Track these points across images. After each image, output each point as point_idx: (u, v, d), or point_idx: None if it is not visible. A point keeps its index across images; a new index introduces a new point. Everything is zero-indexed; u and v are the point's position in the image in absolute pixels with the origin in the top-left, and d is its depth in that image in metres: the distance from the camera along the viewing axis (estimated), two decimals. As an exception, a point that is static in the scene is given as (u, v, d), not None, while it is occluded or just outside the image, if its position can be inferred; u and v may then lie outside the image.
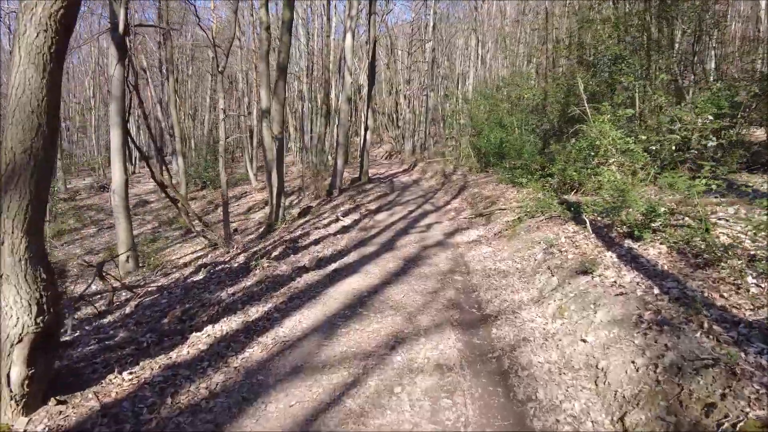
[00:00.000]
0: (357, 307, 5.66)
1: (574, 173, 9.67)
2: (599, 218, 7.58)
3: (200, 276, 7.49)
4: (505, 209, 11.03)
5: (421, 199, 15.92)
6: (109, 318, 5.69)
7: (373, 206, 14.32)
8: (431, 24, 30.23)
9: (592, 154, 9.86)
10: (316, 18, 26.52)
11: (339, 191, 17.04)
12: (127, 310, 5.82)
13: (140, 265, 10.86)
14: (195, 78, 36.20)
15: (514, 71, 20.97)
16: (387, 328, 5.03)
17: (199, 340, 4.51)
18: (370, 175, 23.26)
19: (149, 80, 25.41)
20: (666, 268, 4.82)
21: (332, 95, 25.20)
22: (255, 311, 5.36)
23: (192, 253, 11.96)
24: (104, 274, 7.22)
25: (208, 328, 4.78)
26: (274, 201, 12.78)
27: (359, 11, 21.95)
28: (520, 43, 31.39)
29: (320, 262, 7.63)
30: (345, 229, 10.79)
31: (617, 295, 4.62)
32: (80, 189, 27.21)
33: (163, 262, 11.26)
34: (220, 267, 7.91)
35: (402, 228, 10.98)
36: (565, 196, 10.13)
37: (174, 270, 9.79)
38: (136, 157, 34.14)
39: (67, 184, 27.93)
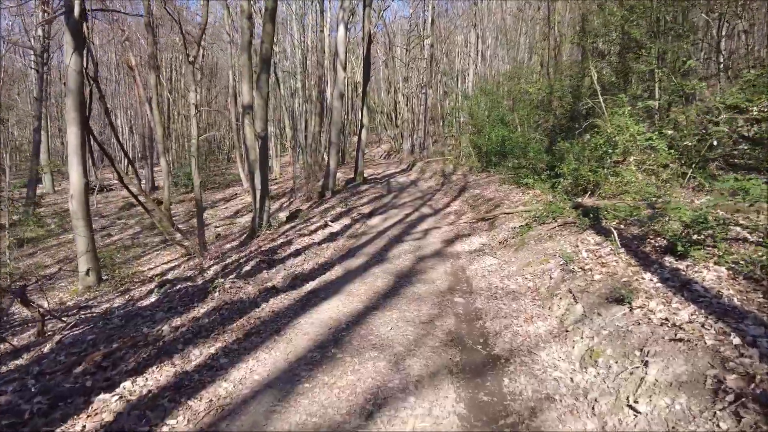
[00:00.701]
0: (330, 346, 4.41)
1: (589, 173, 8.41)
2: (625, 227, 6.32)
3: (152, 298, 6.26)
4: (510, 213, 9.77)
5: (419, 201, 14.68)
6: (12, 363, 4.46)
7: (366, 209, 13.08)
8: (429, 20, 28.95)
9: (609, 151, 8.61)
10: (311, 13, 25.24)
11: (332, 193, 15.81)
12: (46, 348, 4.60)
13: (104, 278, 9.64)
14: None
15: (516, 66, 19.70)
16: (366, 380, 3.79)
17: (107, 406, 3.27)
18: (366, 175, 22.03)
19: (136, 78, 24.14)
20: (737, 301, 3.56)
21: (327, 92, 23.93)
22: (197, 354, 4.12)
23: (168, 262, 10.73)
24: (28, 298, 5.98)
25: (127, 384, 3.54)
26: (257, 205, 11.55)
27: (354, 4, 20.70)
28: (522, 35, 30.12)
29: (295, 281, 6.39)
30: (332, 237, 9.54)
31: (674, 340, 3.37)
32: (61, 192, 26.01)
33: (130, 275, 10.03)
34: (179, 286, 6.67)
35: (396, 235, 9.73)
36: (578, 199, 8.89)
37: (137, 285, 8.56)
38: (122, 159, 32.90)
39: (56, 186, 26.74)
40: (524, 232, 7.94)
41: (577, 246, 6.32)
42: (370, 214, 12.38)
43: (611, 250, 5.63)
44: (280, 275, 6.66)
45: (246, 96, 11.58)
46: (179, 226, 14.16)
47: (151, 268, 10.67)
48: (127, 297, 7.38)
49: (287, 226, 11.49)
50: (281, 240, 9.33)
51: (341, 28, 16.12)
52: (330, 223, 10.68)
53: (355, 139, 39.37)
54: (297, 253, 8.02)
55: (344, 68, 16.15)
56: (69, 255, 13.91)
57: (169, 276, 8.47)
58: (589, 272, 5.31)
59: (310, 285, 6.37)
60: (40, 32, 21.80)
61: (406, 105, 33.49)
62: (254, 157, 11.42)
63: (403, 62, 34.57)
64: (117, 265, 10.60)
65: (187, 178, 22.51)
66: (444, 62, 33.98)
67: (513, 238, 8.09)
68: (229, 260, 8.68)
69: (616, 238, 5.77)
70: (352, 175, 19.19)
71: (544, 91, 13.49)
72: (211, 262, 8.91)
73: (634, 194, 6.99)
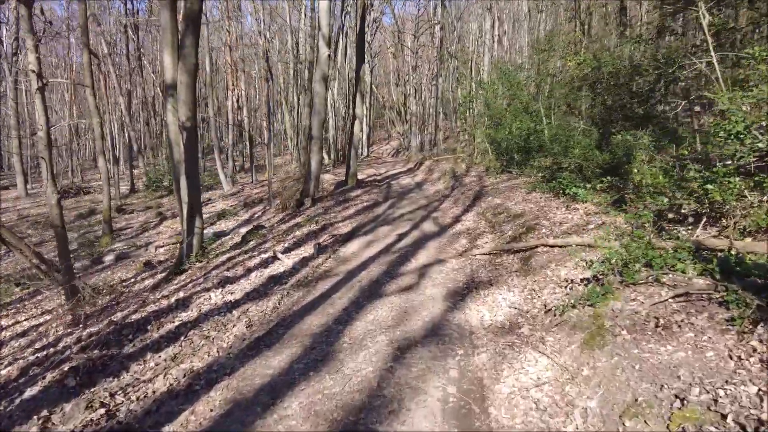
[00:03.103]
0: None
1: (715, 192, 4.38)
2: None
3: None
4: (558, 247, 5.88)
5: (421, 211, 10.84)
6: None
7: (347, 227, 9.29)
8: (440, 2, 24.88)
9: (740, 148, 4.61)
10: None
11: (312, 201, 12.05)
12: None
13: None
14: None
15: (548, 34, 15.47)
16: None
17: None
18: (364, 176, 18.22)
19: (110, 71, 20.68)
20: None
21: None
22: None
23: (33, 317, 7.02)
24: None
25: None
26: (185, 226, 7.84)
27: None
28: (541, 22, 25.81)
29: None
30: (268, 286, 5.79)
31: None
32: (33, 195, 22.81)
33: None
34: None
35: (374, 280, 5.93)
36: (691, 232, 4.94)
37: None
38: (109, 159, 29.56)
39: (29, 190, 23.59)
40: (596, 297, 4.04)
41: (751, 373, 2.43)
42: (350, 236, 8.58)
43: None
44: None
45: (168, 70, 7.85)
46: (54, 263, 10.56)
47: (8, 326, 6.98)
48: None
49: (226, 256, 7.76)
50: (181, 294, 5.60)
51: (325, -6, 12.27)
52: (280, 255, 6.91)
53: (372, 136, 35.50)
54: (172, 336, 4.28)
55: (328, 44, 12.32)
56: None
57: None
58: None
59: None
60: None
61: (415, 97, 29.47)
62: (179, 158, 7.71)
63: (412, 51, 30.51)
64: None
65: (159, 180, 19.00)
66: (456, 48, 29.84)
67: (574, 307, 4.20)
68: (94, 327, 4.97)
69: None
70: (343, 178, 15.36)
71: (589, 65, 9.44)
72: (71, 327, 5.23)
73: None
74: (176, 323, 4.53)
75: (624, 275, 4.13)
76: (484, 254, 6.88)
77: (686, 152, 5.58)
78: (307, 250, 7.42)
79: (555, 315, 4.32)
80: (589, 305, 4.10)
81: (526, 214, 8.04)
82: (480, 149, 16.90)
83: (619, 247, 4.34)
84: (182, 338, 4.16)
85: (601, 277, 4.37)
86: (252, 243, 8.60)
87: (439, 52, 26.46)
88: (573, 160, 8.14)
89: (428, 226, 9.34)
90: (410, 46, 31.04)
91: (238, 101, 22.55)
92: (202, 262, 7.75)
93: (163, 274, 7.78)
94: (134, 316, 4.88)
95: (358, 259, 6.97)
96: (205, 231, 11.63)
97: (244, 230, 10.59)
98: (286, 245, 7.73)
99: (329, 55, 12.31)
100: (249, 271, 6.40)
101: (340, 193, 13.57)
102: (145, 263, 9.30)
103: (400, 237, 8.43)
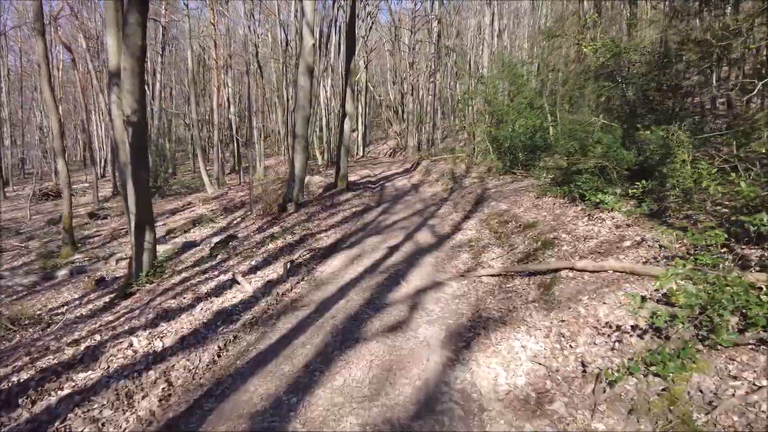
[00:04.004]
0: None
1: None
2: None
3: None
4: (585, 271, 4.50)
5: (417, 218, 9.49)
6: None
7: (330, 238, 7.92)
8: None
9: None
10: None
11: (296, 206, 10.68)
12: None
13: None
14: (173, 65, 29.88)
15: (558, 18, 14.03)
16: None
17: None
18: (355, 178, 16.85)
19: (90, 68, 19.14)
20: None
21: (314, 73, 18.75)
22: None
23: None
24: None
25: None
26: (133, 240, 6.46)
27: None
28: (542, 17, 24.39)
29: None
30: (220, 322, 4.41)
31: None
32: (13, 198, 21.42)
33: None
34: None
35: (352, 315, 4.57)
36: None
37: None
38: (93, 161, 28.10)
39: (7, 192, 22.18)
40: (668, 365, 2.65)
41: None
42: (332, 250, 7.20)
43: None
44: None
45: (112, 55, 6.46)
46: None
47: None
48: None
49: (181, 277, 6.39)
50: (101, 335, 4.22)
51: (309, -23, 10.88)
52: (240, 278, 5.53)
53: (354, 134, 33.96)
54: (45, 419, 2.88)
55: (313, 32, 10.94)
56: None
57: None
58: None
59: None
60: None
61: (412, 95, 28.06)
62: (124, 159, 6.33)
63: (408, 47, 29.08)
64: None
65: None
66: (454, 43, 28.42)
67: (630, 374, 2.82)
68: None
69: None
70: (336, 179, 13.95)
71: (609, 50, 8.05)
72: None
73: None
74: (64, 392, 3.18)
75: (707, 331, 2.76)
76: (492, 276, 5.52)
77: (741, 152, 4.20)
78: (276, 269, 6.04)
79: (600, 383, 2.96)
80: (655, 375, 2.73)
81: (540, 224, 6.68)
82: (480, 148, 15.53)
83: (695, 287, 2.97)
84: (57, 423, 2.79)
85: (666, 328, 3.01)
86: (218, 258, 7.23)
87: (436, 47, 25.05)
88: (593, 160, 6.75)
89: (424, 237, 7.98)
90: (407, 42, 29.61)
91: (228, 99, 21.18)
92: (153, 283, 6.38)
93: (107, 298, 6.40)
94: (21, 375, 3.52)
95: (337, 281, 5.60)
96: (175, 240, 10.27)
97: (217, 239, 9.23)
98: (253, 263, 6.36)
99: (314, 45, 10.93)
100: (198, 300, 5.03)
101: (329, 196, 12.20)
102: (97, 281, 7.92)
103: (391, 250, 7.07)
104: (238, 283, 5.43)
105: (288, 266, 5.93)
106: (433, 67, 26.79)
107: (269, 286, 5.41)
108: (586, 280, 4.39)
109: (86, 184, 25.98)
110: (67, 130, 32.92)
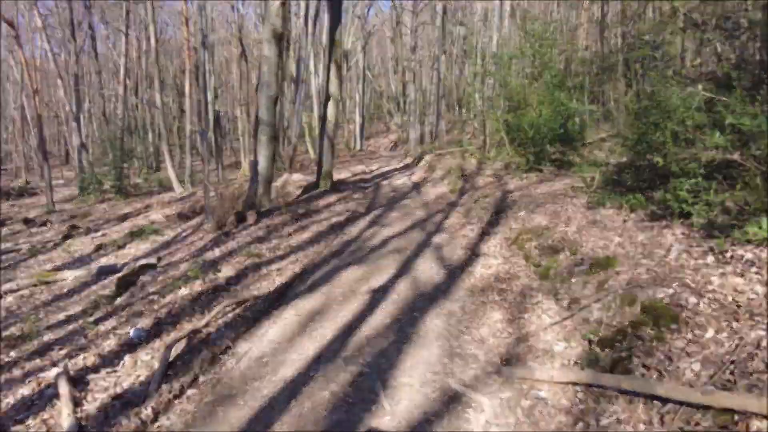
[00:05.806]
0: None
1: None
2: None
3: None
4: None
5: (417, 233, 6.77)
6: None
7: (282, 274, 5.18)
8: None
9: None
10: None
11: (258, 215, 7.93)
12: None
13: None
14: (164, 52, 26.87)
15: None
16: None
17: None
18: (346, 176, 14.08)
19: (46, 48, 16.41)
20: None
21: (302, 53, 15.89)
22: None
23: None
24: None
25: None
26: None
27: None
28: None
29: None
30: None
31: None
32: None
33: None
34: None
35: None
36: None
37: None
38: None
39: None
40: None
41: None
42: (277, 300, 4.45)
43: None
44: None
45: None
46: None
47: None
48: None
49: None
50: None
51: None
52: (62, 387, 2.74)
53: (351, 126, 30.92)
54: None
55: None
56: None
57: None
58: None
59: None
60: None
61: (414, 83, 25.10)
62: None
63: (411, 30, 26.06)
64: None
65: (99, 181, 14.78)
66: (459, 30, 25.41)
67: None
68: None
69: None
70: (319, 178, 11.12)
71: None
72: None
73: None
74: None
75: None
76: (560, 384, 2.73)
77: None
78: (156, 351, 3.26)
79: None
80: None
81: (620, 263, 3.89)
82: (494, 140, 12.71)
83: None
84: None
85: None
86: (104, 310, 4.48)
87: (441, 30, 22.04)
88: (711, 153, 3.90)
89: (427, 268, 5.24)
90: (409, 25, 26.59)
91: (206, 86, 18.41)
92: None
93: None
94: None
95: (256, 391, 2.86)
96: (90, 267, 7.51)
97: (144, 261, 6.48)
98: (131, 333, 3.60)
99: (283, 3, 8.09)
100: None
101: (306, 200, 9.42)
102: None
103: (373, 300, 4.33)
104: (58, 399, 2.67)
105: (176, 350, 3.15)
106: (436, 51, 23.79)
107: (119, 407, 2.63)
108: None
109: (59, 181, 23.35)
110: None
